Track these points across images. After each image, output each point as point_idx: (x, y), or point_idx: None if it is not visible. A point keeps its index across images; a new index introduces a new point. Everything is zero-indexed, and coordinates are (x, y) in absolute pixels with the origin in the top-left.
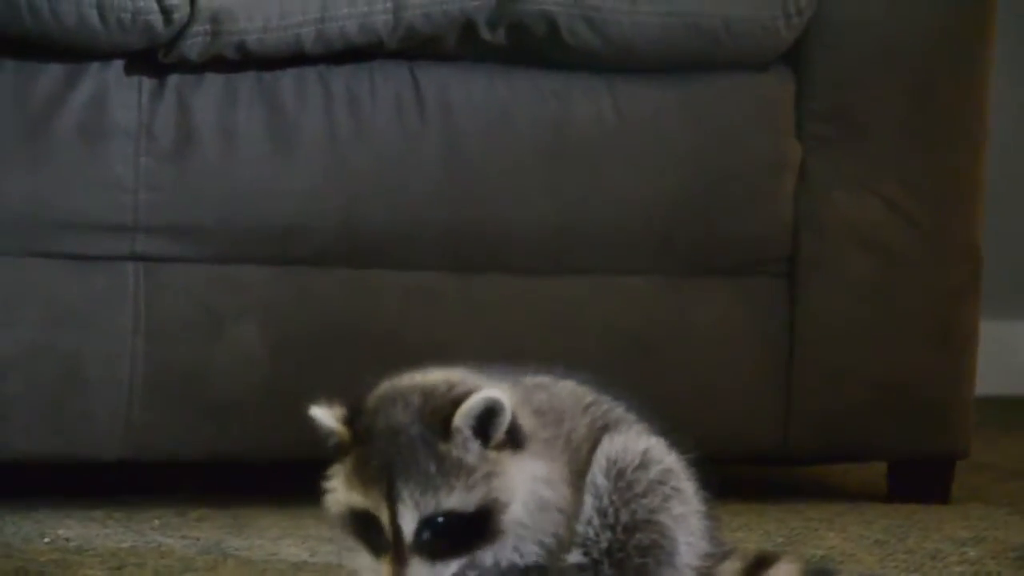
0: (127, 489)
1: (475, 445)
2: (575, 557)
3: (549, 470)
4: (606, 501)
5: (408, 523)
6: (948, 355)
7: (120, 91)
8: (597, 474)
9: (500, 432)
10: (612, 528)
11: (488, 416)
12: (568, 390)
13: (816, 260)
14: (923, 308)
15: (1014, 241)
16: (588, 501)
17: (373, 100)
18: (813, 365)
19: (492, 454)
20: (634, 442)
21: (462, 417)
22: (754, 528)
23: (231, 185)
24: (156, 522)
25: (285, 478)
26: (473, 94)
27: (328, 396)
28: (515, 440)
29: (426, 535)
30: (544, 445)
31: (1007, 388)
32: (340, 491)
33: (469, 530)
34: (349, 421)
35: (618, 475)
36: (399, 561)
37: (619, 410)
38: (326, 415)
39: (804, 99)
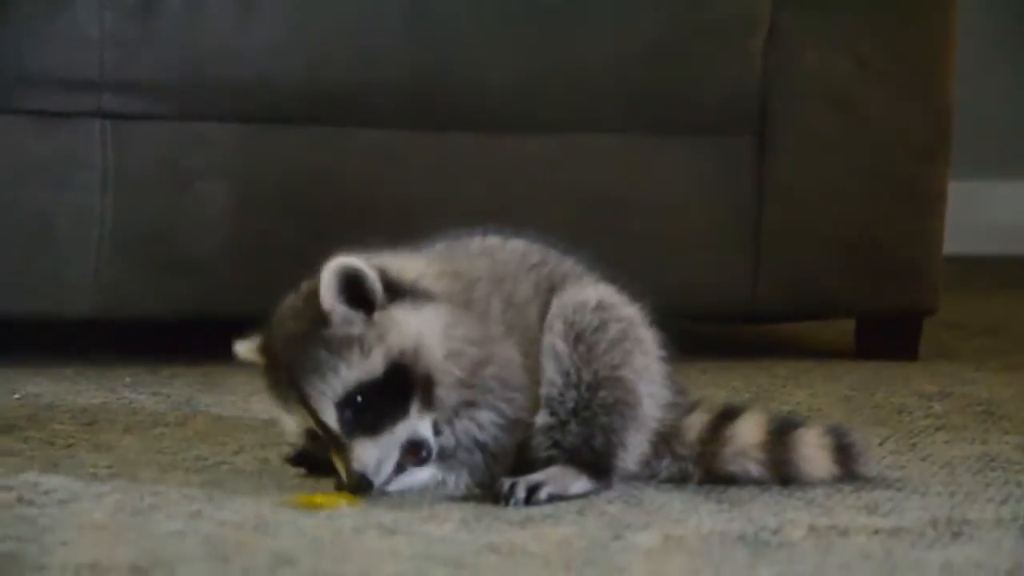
0: (98, 347)
1: (358, 317)
2: (542, 418)
3: (457, 316)
4: (568, 363)
5: (328, 413)
6: (917, 212)
7: None
8: (557, 340)
9: (377, 293)
10: (576, 387)
11: (354, 284)
12: (513, 251)
13: (785, 118)
14: (892, 165)
15: (985, 100)
16: (549, 364)
17: None
18: (782, 223)
19: (378, 315)
20: (586, 298)
21: (325, 296)
22: (722, 385)
23: (196, 41)
24: (127, 379)
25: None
26: None
27: (249, 329)
28: (399, 293)
29: (348, 414)
30: (463, 303)
31: (976, 247)
32: (284, 421)
33: (394, 393)
34: (263, 348)
35: (577, 339)
36: (341, 451)
37: (566, 265)
38: (245, 350)
39: None
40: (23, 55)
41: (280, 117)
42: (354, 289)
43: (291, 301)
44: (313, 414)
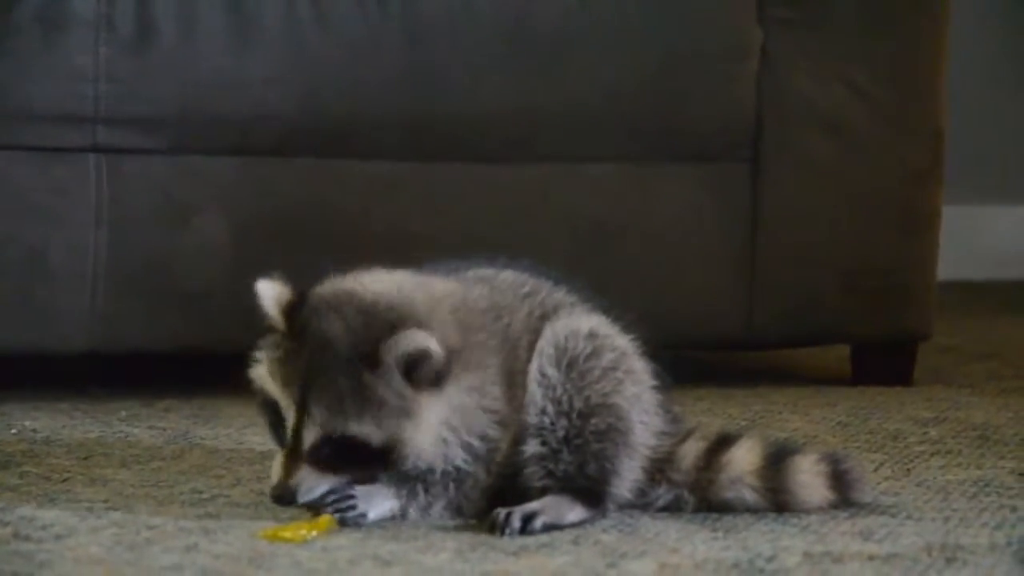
0: (94, 381)
1: (397, 380)
2: (533, 447)
3: (472, 383)
4: (560, 391)
5: (309, 436)
6: (911, 238)
7: None
8: (546, 365)
9: (425, 376)
10: (567, 415)
11: (418, 359)
12: (508, 282)
13: (779, 144)
14: (886, 191)
15: (980, 125)
16: (539, 392)
17: None
18: (776, 249)
19: (410, 392)
20: (579, 326)
21: (391, 353)
22: (718, 413)
23: (192, 75)
24: (123, 413)
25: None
26: None
27: (285, 273)
28: (437, 380)
29: (325, 451)
30: (476, 350)
31: (970, 272)
32: (262, 372)
33: (367, 456)
34: (289, 311)
35: (569, 365)
36: (290, 465)
37: (558, 295)
38: (270, 297)
39: None
40: (17, 90)
41: (276, 150)
42: (414, 361)
43: (343, 300)
44: (298, 423)
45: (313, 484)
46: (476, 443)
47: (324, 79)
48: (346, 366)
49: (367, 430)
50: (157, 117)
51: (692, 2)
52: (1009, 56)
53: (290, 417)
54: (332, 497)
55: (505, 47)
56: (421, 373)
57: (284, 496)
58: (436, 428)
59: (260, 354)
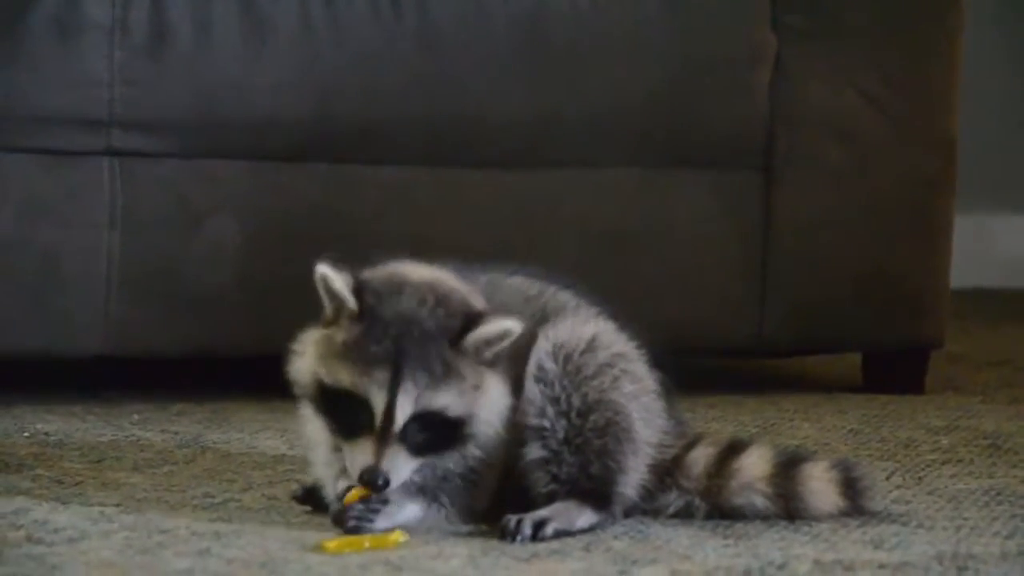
0: (106, 384)
1: (472, 359)
2: (535, 451)
3: (504, 382)
4: (557, 388)
5: (403, 413)
6: (923, 246)
7: None
8: (544, 359)
9: (496, 355)
10: (566, 415)
11: (496, 339)
12: (514, 287)
13: (792, 152)
14: (898, 199)
15: (992, 134)
16: (537, 390)
17: None
18: (788, 257)
19: (480, 368)
20: (579, 327)
21: (476, 339)
22: (729, 419)
23: (206, 79)
24: (135, 416)
25: (263, 372)
26: None
27: (330, 260)
28: (496, 360)
29: (414, 428)
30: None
31: (982, 280)
32: (320, 364)
33: (445, 433)
34: (360, 295)
35: (566, 360)
36: (380, 447)
37: (561, 297)
38: (338, 279)
39: None
40: (32, 94)
41: (289, 154)
42: (492, 342)
43: (414, 284)
44: (391, 399)
45: (403, 467)
46: (496, 436)
47: (338, 84)
48: (433, 343)
49: (451, 402)
50: (171, 121)
51: (706, 10)
52: (1022, 65)
53: (378, 397)
54: (355, 511)
55: (519, 53)
56: (494, 352)
57: (376, 479)
58: (499, 402)
59: (307, 345)
